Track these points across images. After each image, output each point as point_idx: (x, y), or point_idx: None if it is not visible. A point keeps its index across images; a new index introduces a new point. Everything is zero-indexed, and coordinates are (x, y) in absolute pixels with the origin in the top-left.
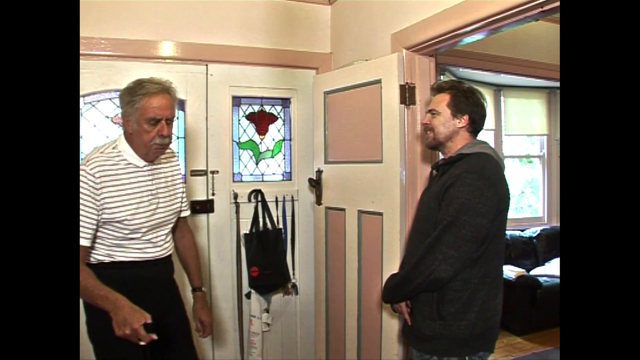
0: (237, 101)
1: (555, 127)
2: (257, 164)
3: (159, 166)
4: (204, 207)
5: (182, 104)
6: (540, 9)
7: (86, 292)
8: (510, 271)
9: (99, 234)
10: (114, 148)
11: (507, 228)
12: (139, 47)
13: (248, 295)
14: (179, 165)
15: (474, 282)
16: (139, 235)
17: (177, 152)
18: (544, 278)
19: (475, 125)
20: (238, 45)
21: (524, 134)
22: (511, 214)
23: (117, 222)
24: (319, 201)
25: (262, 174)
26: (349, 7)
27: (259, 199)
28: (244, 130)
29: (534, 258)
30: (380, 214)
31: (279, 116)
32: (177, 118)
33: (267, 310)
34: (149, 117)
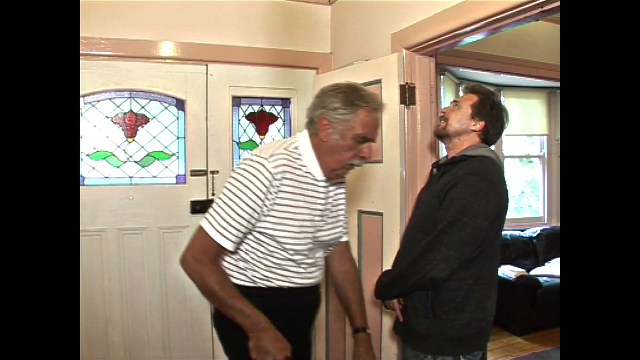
0: (237, 101)
1: (555, 127)
2: None
3: (332, 183)
4: (204, 207)
5: (182, 104)
6: (540, 9)
7: (221, 301)
8: (510, 271)
9: (257, 252)
10: (295, 149)
11: (507, 228)
12: (139, 47)
13: None
14: (345, 183)
15: (469, 283)
16: (300, 257)
17: (177, 152)
18: (544, 278)
19: (488, 136)
20: (238, 45)
21: (524, 134)
22: (511, 214)
23: (278, 239)
24: None
25: None
26: (349, 7)
27: None
28: (244, 130)
29: (534, 258)
30: (380, 213)
31: (279, 116)
32: (178, 118)
33: None
34: (359, 134)
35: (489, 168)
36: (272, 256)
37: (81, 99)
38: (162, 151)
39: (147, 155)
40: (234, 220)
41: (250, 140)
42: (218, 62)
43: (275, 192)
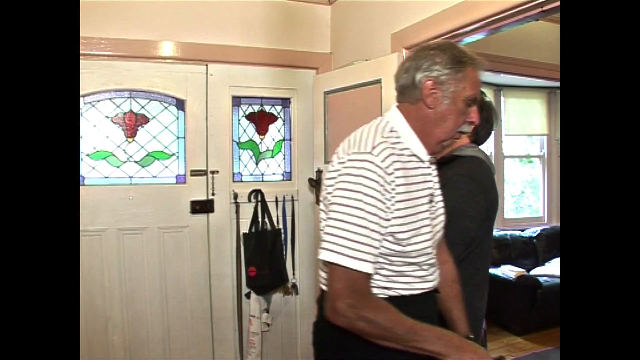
0: (237, 101)
1: (555, 127)
2: (257, 164)
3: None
4: (204, 207)
5: (182, 104)
6: (540, 9)
7: (401, 338)
8: (510, 271)
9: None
10: (392, 131)
11: (507, 228)
12: (139, 47)
13: (248, 295)
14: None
15: None
16: (423, 258)
17: (177, 152)
18: (544, 278)
19: (478, 137)
20: (238, 45)
21: (524, 134)
22: (511, 214)
23: (405, 242)
24: (318, 201)
25: (262, 174)
26: (349, 7)
27: (259, 199)
28: (244, 130)
29: (534, 258)
30: None
31: (279, 116)
32: (178, 118)
33: (267, 310)
34: (470, 95)
35: (477, 169)
36: (392, 264)
37: (81, 99)
38: (162, 151)
39: (147, 155)
40: (364, 236)
41: (250, 140)
42: (218, 62)
43: (393, 189)
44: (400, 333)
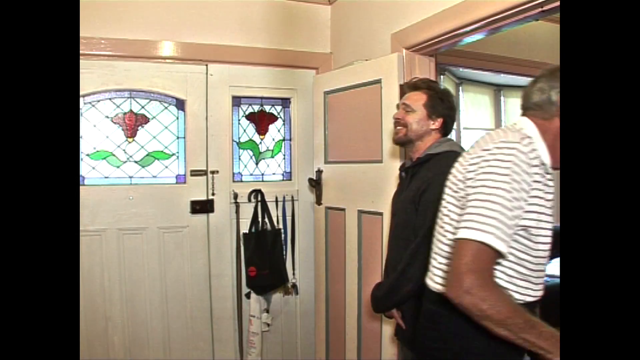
0: (237, 101)
1: None
2: (257, 164)
3: None
4: (204, 207)
5: (182, 104)
6: (540, 9)
7: (516, 328)
8: None
9: (503, 261)
10: (527, 137)
11: None
12: (139, 47)
13: (248, 295)
14: None
15: None
16: (545, 263)
17: (177, 152)
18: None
19: (447, 128)
20: (238, 45)
21: None
22: None
23: (536, 239)
24: (319, 201)
25: (262, 174)
26: (349, 7)
27: (259, 199)
28: (244, 130)
29: None
30: (381, 214)
31: (279, 116)
32: (178, 118)
33: (267, 310)
34: None
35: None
36: (519, 265)
37: (81, 99)
38: (162, 151)
39: (147, 155)
40: (501, 214)
41: (250, 140)
42: (218, 62)
43: (534, 182)
44: (519, 322)
